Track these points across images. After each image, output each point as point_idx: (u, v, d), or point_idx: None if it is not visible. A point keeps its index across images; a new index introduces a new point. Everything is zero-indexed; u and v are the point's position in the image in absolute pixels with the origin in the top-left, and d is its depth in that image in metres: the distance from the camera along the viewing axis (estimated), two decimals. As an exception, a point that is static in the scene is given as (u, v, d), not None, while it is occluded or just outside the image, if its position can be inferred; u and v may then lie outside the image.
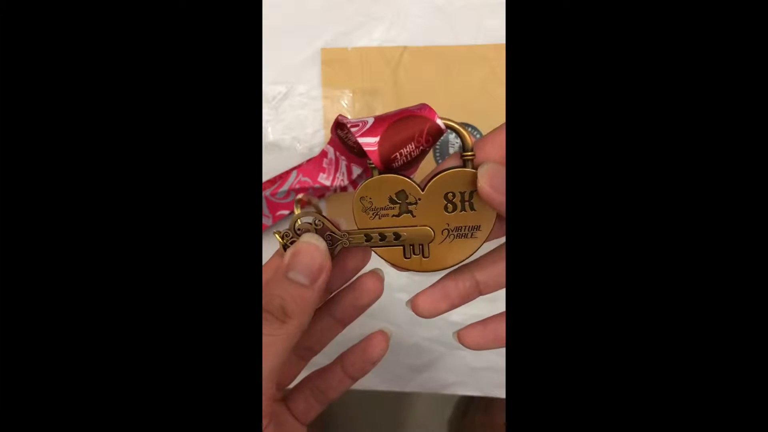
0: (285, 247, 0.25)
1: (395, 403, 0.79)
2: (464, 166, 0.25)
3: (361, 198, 0.25)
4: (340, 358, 0.29)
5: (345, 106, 0.41)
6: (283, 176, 0.38)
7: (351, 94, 0.41)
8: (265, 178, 0.40)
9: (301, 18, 0.42)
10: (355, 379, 0.29)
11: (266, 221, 0.41)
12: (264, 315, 0.22)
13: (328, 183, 0.38)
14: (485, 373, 0.44)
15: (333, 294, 0.28)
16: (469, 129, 0.41)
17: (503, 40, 0.41)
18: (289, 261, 0.23)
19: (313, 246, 0.24)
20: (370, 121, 0.25)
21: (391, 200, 0.25)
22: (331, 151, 0.38)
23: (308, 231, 0.25)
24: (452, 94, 0.41)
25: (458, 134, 0.25)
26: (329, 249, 0.25)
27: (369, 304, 0.28)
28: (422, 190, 0.25)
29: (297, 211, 0.26)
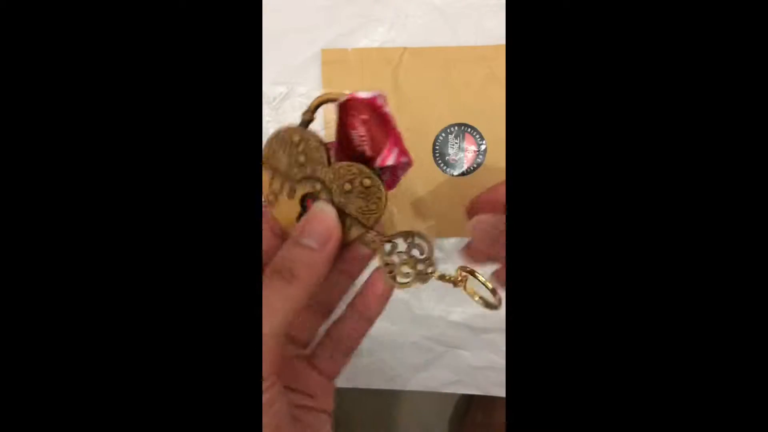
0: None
1: (395, 402, 0.79)
2: None
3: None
4: (351, 305, 0.29)
5: (345, 106, 0.41)
6: None
7: (351, 95, 0.41)
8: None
9: (302, 19, 0.42)
10: (370, 321, 0.29)
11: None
12: (270, 275, 0.23)
13: None
14: (485, 372, 0.45)
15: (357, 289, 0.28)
16: (469, 129, 0.42)
17: (503, 41, 0.41)
18: (302, 227, 0.24)
19: (323, 212, 0.25)
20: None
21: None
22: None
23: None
24: (452, 95, 0.41)
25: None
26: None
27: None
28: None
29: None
